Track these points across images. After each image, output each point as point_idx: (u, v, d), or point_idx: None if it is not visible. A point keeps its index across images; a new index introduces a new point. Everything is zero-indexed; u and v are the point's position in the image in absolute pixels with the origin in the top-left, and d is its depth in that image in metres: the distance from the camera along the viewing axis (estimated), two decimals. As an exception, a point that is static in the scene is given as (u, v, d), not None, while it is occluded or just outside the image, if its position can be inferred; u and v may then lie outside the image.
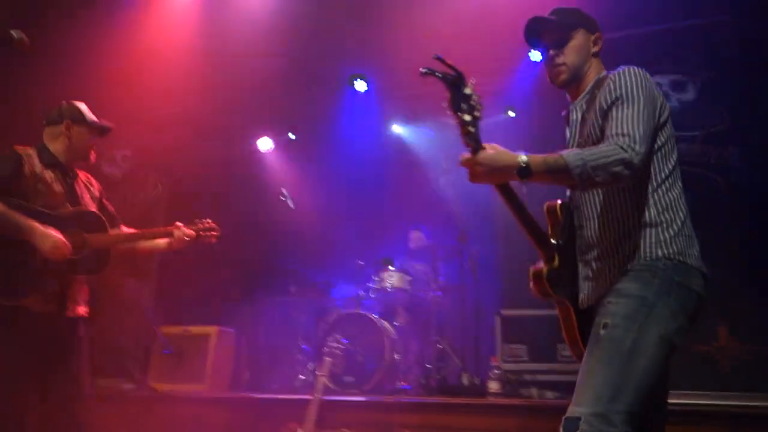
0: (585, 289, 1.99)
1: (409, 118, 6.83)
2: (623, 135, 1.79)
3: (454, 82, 1.78)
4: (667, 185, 1.92)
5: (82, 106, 3.09)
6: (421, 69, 1.82)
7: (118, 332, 5.45)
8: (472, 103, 1.78)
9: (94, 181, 3.23)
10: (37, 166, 2.90)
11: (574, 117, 2.13)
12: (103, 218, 3.02)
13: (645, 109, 1.84)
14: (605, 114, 1.91)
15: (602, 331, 1.81)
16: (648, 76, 1.95)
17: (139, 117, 6.09)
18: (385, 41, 5.47)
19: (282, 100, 6.55)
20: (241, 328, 5.65)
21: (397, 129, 7.06)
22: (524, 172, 1.77)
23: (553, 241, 2.04)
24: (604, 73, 2.11)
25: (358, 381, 4.62)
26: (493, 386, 4.03)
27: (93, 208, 3.06)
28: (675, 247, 1.85)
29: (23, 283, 2.74)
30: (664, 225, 1.87)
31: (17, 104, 5.58)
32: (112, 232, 3.06)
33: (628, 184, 1.86)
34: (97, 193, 3.18)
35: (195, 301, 5.91)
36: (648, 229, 1.87)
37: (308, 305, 5.68)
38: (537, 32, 2.18)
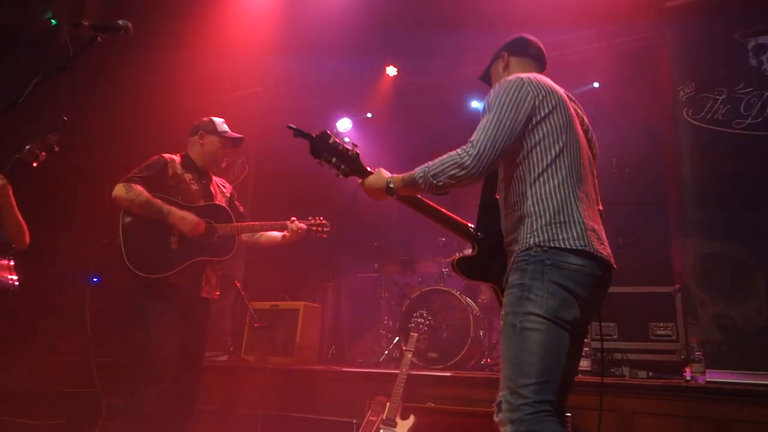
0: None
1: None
2: (469, 141, 2.04)
3: (320, 139, 2.24)
4: (545, 177, 2.06)
5: (218, 120, 3.60)
6: (288, 125, 2.35)
7: (213, 308, 5.72)
8: (340, 149, 2.24)
9: (228, 185, 3.79)
10: (179, 168, 3.46)
11: None
12: (230, 211, 3.51)
13: (496, 116, 2.04)
14: None
15: (502, 321, 2.04)
16: (517, 84, 2.11)
17: (225, 101, 6.32)
18: (463, 19, 5.39)
19: (360, 77, 6.59)
20: (327, 304, 5.79)
21: (476, 105, 6.94)
22: (390, 191, 2.17)
23: (476, 233, 2.35)
24: None
25: (442, 357, 4.63)
26: (583, 364, 3.93)
27: (224, 202, 3.59)
28: (546, 235, 2.00)
29: (163, 260, 3.24)
30: (538, 215, 2.03)
31: (120, 86, 5.92)
32: (237, 223, 3.50)
33: (473, 182, 2.07)
34: (228, 195, 3.70)
35: (282, 278, 6.11)
36: (526, 220, 2.06)
37: (391, 282, 5.73)
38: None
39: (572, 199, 2.04)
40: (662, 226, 4.80)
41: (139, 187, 3.26)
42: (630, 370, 4.14)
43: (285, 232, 3.57)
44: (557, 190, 2.04)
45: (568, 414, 3.30)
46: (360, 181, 2.26)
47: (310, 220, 3.61)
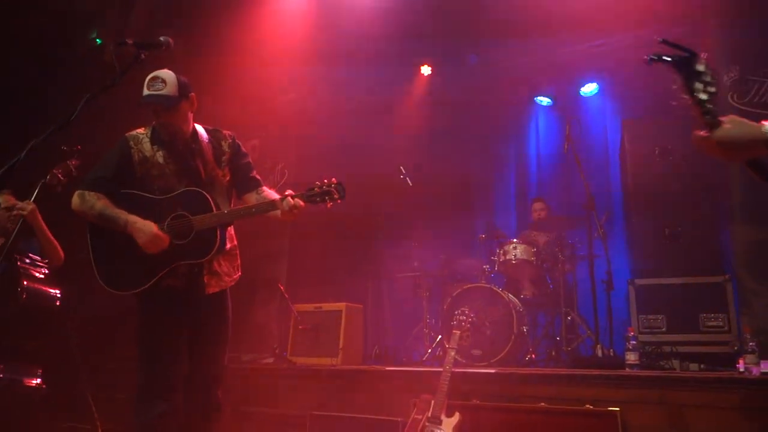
0: None
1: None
2: None
3: (686, 63, 1.70)
4: None
5: (146, 82, 2.76)
6: (646, 57, 1.74)
7: (258, 311, 5.85)
8: (706, 79, 1.69)
9: (225, 136, 3.00)
10: (147, 150, 2.83)
11: None
12: (208, 198, 2.77)
13: None
14: None
15: None
16: None
17: (263, 109, 6.43)
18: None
19: (395, 77, 6.64)
20: (369, 305, 5.84)
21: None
22: None
23: None
24: None
25: (486, 354, 4.62)
26: (631, 357, 3.85)
27: (218, 175, 2.92)
28: None
29: (139, 271, 2.74)
30: None
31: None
32: (217, 211, 2.78)
33: None
34: (227, 156, 2.97)
35: (324, 279, 6.19)
36: None
37: (432, 280, 5.74)
38: None
39: None
40: (710, 214, 4.67)
41: (93, 195, 2.76)
42: (680, 363, 4.04)
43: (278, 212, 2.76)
44: None
45: (617, 408, 3.26)
46: (708, 133, 1.70)
47: (313, 190, 2.70)
